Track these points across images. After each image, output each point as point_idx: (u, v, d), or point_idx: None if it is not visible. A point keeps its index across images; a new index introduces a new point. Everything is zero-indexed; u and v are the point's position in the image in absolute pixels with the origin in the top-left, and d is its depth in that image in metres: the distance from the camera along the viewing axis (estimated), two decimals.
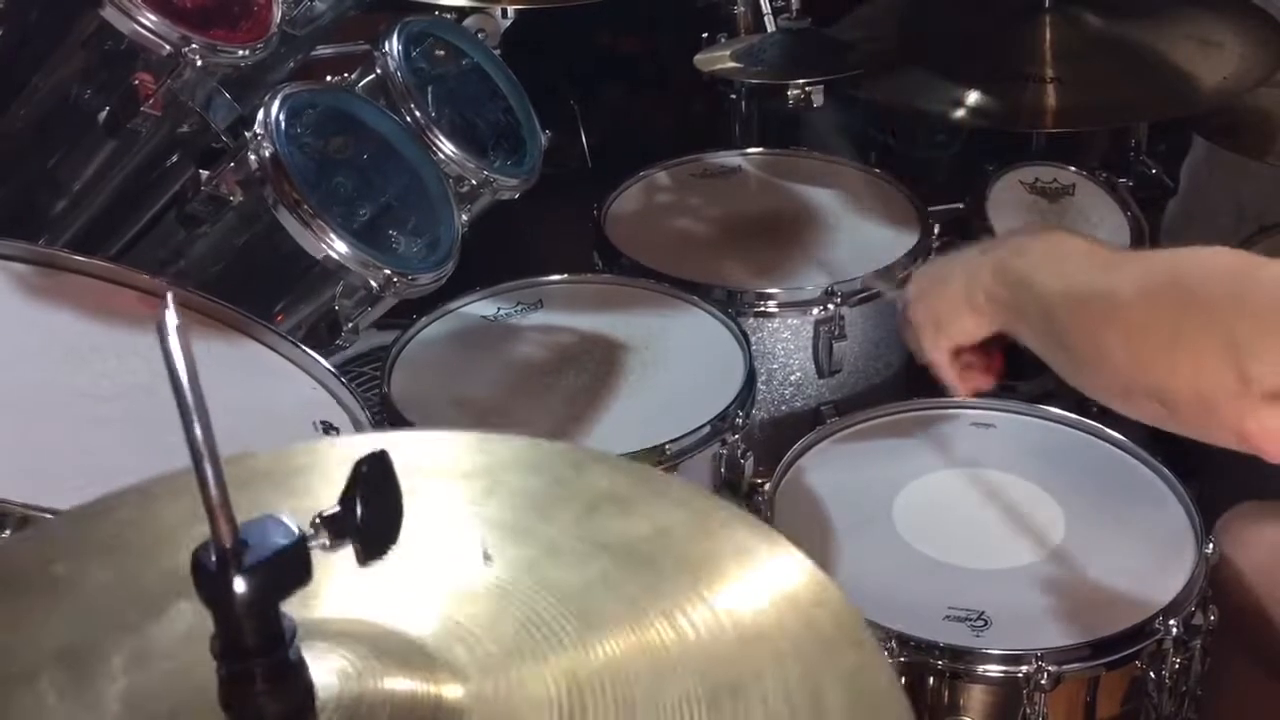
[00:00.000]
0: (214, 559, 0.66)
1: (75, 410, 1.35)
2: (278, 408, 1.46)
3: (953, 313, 1.29)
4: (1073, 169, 2.28)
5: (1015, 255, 1.20)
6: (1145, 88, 2.24)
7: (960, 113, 2.26)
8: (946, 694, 1.45)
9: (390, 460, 0.71)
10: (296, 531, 0.68)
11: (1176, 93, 2.22)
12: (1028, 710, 1.42)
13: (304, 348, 1.53)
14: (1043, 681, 1.40)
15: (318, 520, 0.70)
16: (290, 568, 0.68)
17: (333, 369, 1.52)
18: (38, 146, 1.68)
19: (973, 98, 2.25)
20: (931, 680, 1.44)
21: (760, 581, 0.83)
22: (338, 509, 0.70)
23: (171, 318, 0.64)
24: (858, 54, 2.32)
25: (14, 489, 1.14)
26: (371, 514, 0.71)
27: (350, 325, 1.64)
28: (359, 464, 0.71)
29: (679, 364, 1.86)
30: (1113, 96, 2.23)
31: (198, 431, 0.65)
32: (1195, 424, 1.00)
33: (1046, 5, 2.30)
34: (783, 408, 2.03)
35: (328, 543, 0.70)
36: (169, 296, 0.65)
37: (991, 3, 2.37)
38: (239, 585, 0.66)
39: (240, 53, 1.61)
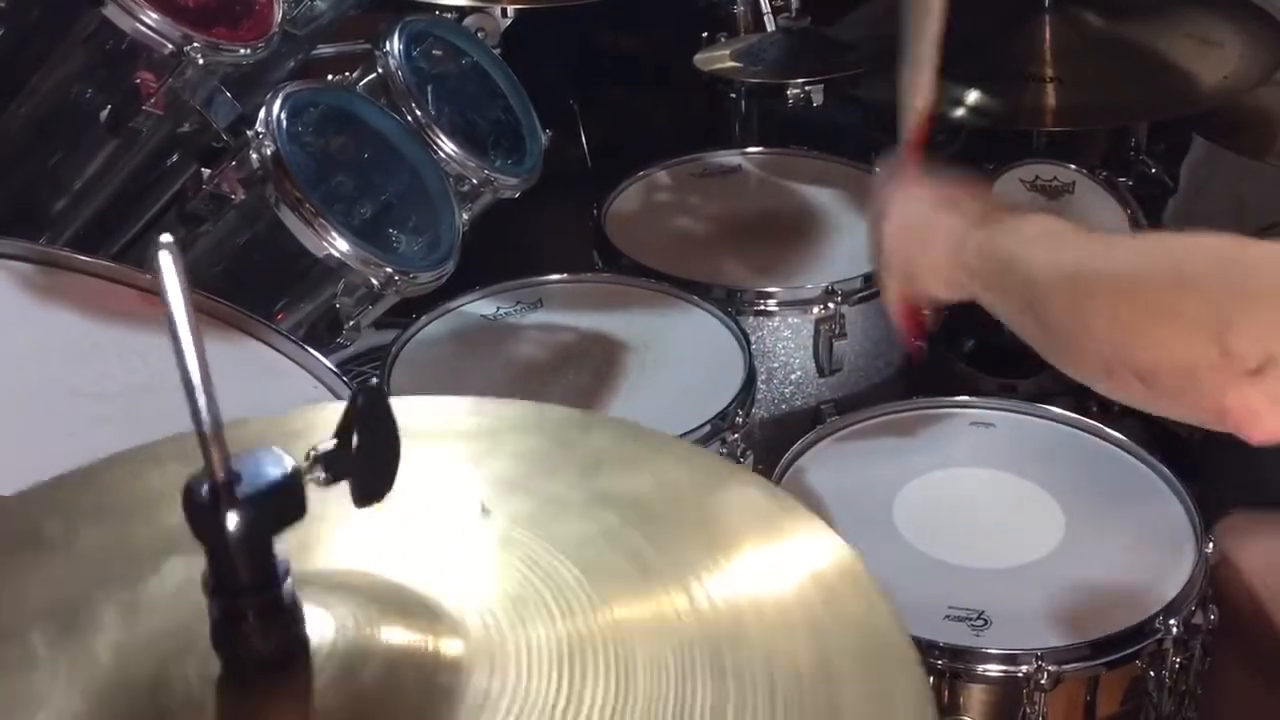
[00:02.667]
0: (206, 491, 0.65)
1: (76, 409, 1.35)
2: (279, 407, 1.46)
3: (926, 276, 1.29)
4: (1073, 167, 2.27)
5: (1005, 235, 1.18)
6: (1145, 87, 2.24)
7: (960, 112, 2.26)
8: (946, 694, 1.45)
9: (386, 395, 0.70)
10: (290, 465, 0.67)
11: (1176, 92, 2.22)
12: (1028, 710, 1.42)
13: (305, 347, 1.53)
14: (1043, 681, 1.40)
15: (312, 454, 0.68)
16: (284, 501, 0.66)
17: (334, 368, 1.52)
18: (39, 145, 1.68)
19: (973, 97, 2.25)
20: (931, 680, 1.44)
21: (763, 535, 0.83)
22: (333, 444, 0.69)
23: (167, 238, 0.63)
24: (858, 54, 2.32)
25: (15, 488, 1.13)
26: (367, 449, 0.69)
27: (351, 323, 1.64)
28: (354, 395, 0.69)
29: (679, 363, 1.87)
30: (1113, 96, 2.23)
31: (190, 360, 0.64)
32: (1176, 401, 0.99)
33: (1046, 5, 2.30)
34: (783, 406, 2.03)
35: (322, 477, 0.68)
36: (166, 238, 0.64)
37: (991, 3, 2.37)
38: (231, 519, 0.65)
39: (242, 51, 1.61)
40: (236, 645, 0.68)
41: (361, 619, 0.73)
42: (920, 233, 1.31)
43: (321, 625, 0.71)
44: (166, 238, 0.62)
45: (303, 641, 0.70)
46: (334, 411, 0.69)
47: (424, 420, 0.94)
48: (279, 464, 0.67)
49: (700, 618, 0.75)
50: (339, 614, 0.72)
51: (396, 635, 0.73)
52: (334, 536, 0.78)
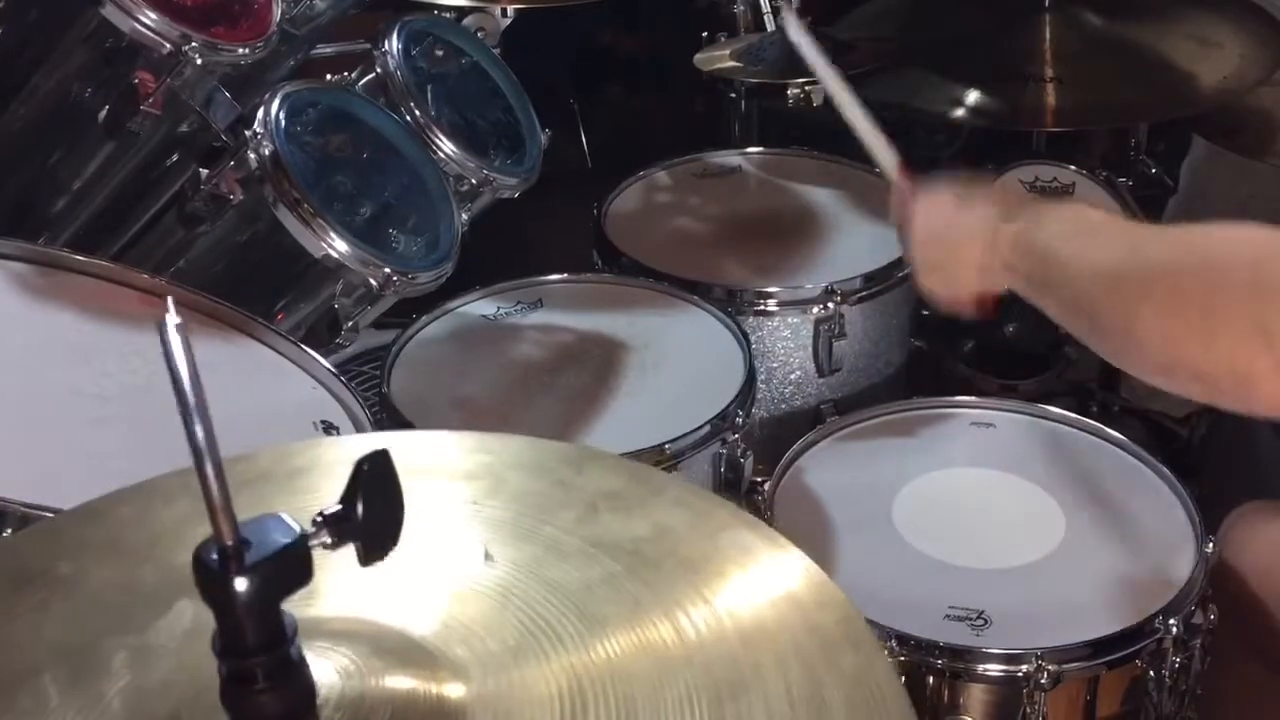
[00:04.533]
0: (215, 558, 0.66)
1: (76, 410, 1.35)
2: (278, 407, 1.46)
3: (962, 275, 1.28)
4: (1073, 168, 2.27)
5: (1037, 228, 1.17)
6: (1145, 88, 2.24)
7: (960, 113, 2.26)
8: (946, 693, 1.45)
9: (391, 460, 0.71)
10: (297, 530, 0.68)
11: (1176, 93, 2.22)
12: (1028, 710, 1.42)
13: (305, 347, 1.53)
14: (1043, 681, 1.40)
15: (319, 519, 0.70)
16: (291, 567, 0.68)
17: (333, 369, 1.52)
18: (38, 145, 1.68)
19: (973, 98, 2.25)
20: (931, 680, 1.44)
21: (761, 581, 0.84)
22: (339, 508, 0.70)
23: (172, 317, 0.64)
24: (858, 54, 2.31)
25: (15, 488, 1.14)
26: (372, 513, 0.71)
27: (350, 324, 1.64)
28: (360, 463, 0.71)
29: (679, 364, 1.86)
30: (1113, 96, 2.23)
31: (199, 432, 0.65)
32: (1237, 402, 0.99)
33: (1046, 5, 2.30)
34: (783, 406, 2.03)
35: (329, 542, 0.70)
36: (169, 299, 0.65)
37: (991, 3, 2.37)
38: (240, 584, 0.66)
39: (240, 51, 1.60)
40: (245, 705, 0.70)
41: (366, 668, 0.74)
42: (947, 235, 1.30)
43: (327, 676, 0.73)
44: (174, 318, 0.63)
45: (310, 696, 0.71)
46: (335, 446, 0.69)
47: (426, 459, 0.95)
48: (286, 531, 0.68)
49: (698, 660, 0.76)
50: (344, 663, 0.74)
51: (401, 683, 0.74)
52: (336, 583, 0.79)
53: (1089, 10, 2.32)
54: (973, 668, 1.43)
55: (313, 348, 1.54)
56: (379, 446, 0.72)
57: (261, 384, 1.49)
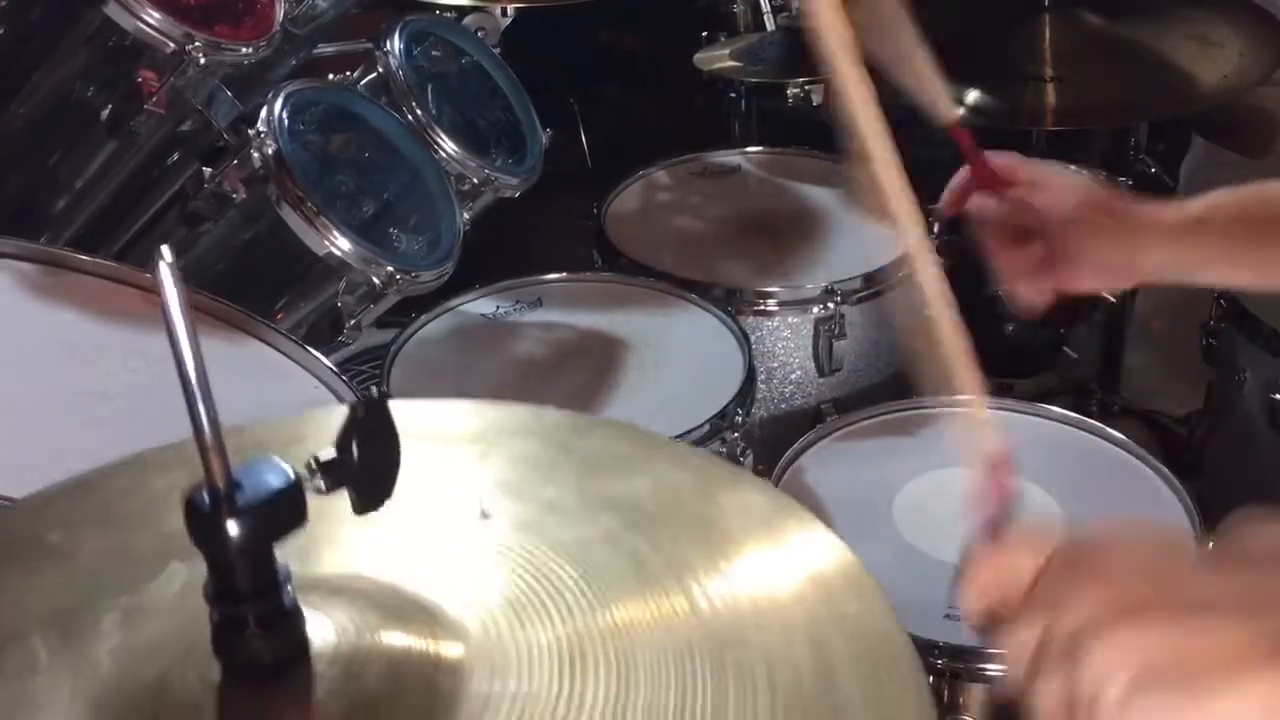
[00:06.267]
0: (207, 500, 0.65)
1: (78, 409, 1.35)
2: (281, 407, 1.46)
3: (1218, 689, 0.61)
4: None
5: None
6: (1145, 88, 2.24)
7: (960, 112, 2.26)
8: (946, 694, 1.45)
9: (388, 406, 0.70)
10: (291, 474, 0.67)
11: (1176, 93, 2.23)
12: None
13: (307, 347, 1.53)
14: None
15: (313, 463, 0.68)
16: (284, 510, 0.66)
17: (334, 368, 1.52)
18: (40, 144, 1.68)
19: (973, 97, 2.26)
20: (931, 680, 1.44)
21: (763, 537, 0.83)
22: (334, 454, 0.69)
23: (167, 253, 0.63)
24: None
25: (16, 487, 1.13)
26: (368, 459, 0.69)
27: (352, 322, 1.64)
28: (354, 407, 0.69)
29: (679, 363, 1.87)
30: (1113, 96, 2.24)
31: (190, 370, 0.64)
32: None
33: (1046, 5, 2.30)
34: (782, 406, 2.03)
35: (323, 486, 0.68)
36: (164, 249, 0.64)
37: (991, 3, 2.37)
38: (232, 527, 0.65)
39: (243, 50, 1.61)
40: (238, 652, 0.69)
41: (362, 623, 0.73)
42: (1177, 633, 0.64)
43: (322, 630, 0.71)
44: (166, 252, 0.63)
45: (304, 647, 0.70)
46: (334, 416, 0.68)
47: (423, 423, 0.94)
48: (280, 473, 0.67)
49: (700, 619, 0.75)
50: (340, 619, 0.73)
51: (397, 639, 0.73)
52: (334, 541, 0.78)
53: (1089, 10, 2.32)
54: (973, 668, 1.43)
55: (315, 346, 1.54)
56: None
57: (264, 383, 1.49)
